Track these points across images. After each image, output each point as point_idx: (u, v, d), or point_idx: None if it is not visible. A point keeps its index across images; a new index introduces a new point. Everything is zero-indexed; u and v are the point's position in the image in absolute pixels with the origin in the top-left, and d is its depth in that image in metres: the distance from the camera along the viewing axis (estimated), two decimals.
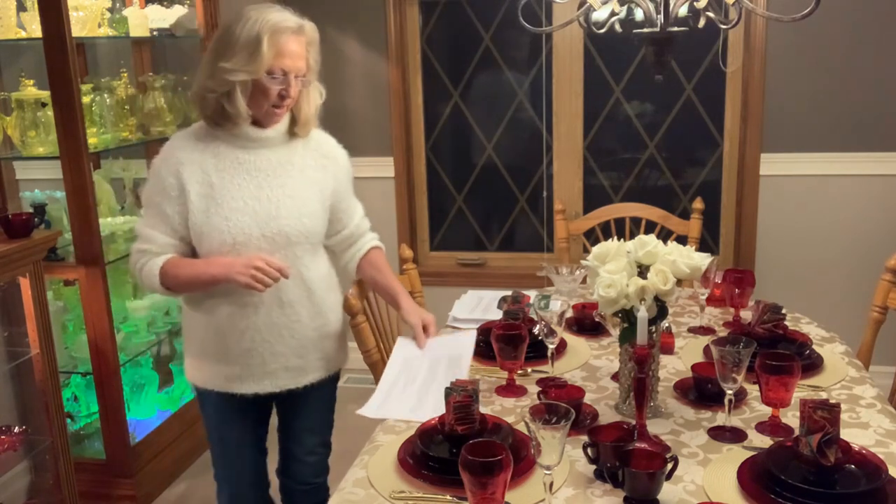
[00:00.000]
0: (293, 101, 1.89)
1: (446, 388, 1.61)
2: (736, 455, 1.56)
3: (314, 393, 2.08)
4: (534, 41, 3.71)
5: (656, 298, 1.68)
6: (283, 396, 2.05)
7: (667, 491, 1.43)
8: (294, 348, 1.98)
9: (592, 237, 3.33)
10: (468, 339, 2.04)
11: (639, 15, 1.92)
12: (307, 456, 2.14)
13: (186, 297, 2.01)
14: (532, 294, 2.42)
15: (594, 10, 1.96)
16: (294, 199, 1.92)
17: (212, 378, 2.01)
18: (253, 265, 1.79)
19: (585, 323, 2.31)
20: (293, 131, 1.96)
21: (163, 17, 3.27)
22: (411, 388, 1.90)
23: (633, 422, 1.63)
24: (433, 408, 1.77)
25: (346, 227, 2.11)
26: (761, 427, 1.69)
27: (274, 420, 2.19)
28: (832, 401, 1.46)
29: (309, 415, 2.12)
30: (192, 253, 1.95)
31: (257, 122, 1.91)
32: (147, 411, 3.18)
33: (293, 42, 1.82)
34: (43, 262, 2.53)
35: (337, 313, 2.08)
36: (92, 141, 2.81)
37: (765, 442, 1.63)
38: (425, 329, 2.05)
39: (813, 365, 1.97)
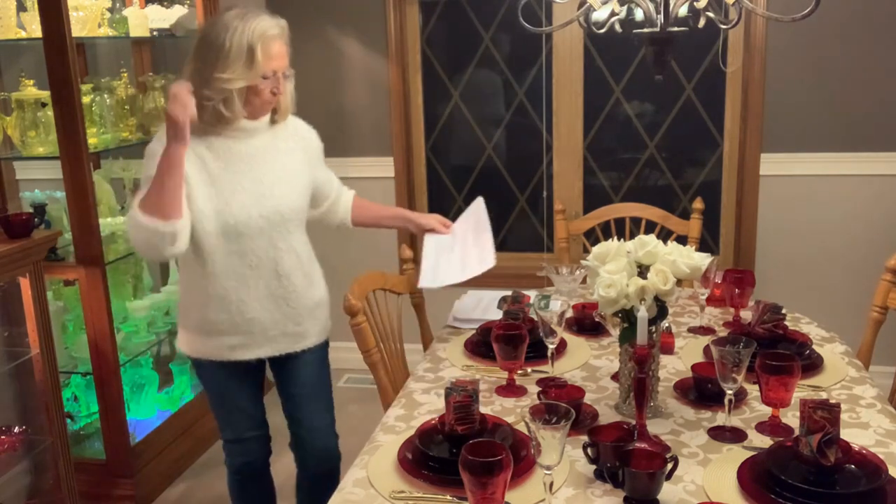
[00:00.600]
0: (281, 94, 2.03)
1: (446, 388, 1.61)
2: (736, 455, 1.57)
3: (309, 357, 2.19)
4: (534, 41, 3.71)
5: (656, 298, 1.68)
6: (282, 361, 2.16)
7: (667, 491, 1.43)
8: (291, 316, 2.11)
9: (592, 237, 3.32)
10: (479, 204, 2.42)
11: (639, 15, 1.92)
12: (314, 419, 2.21)
13: (186, 273, 2.09)
14: (532, 294, 2.42)
15: (594, 10, 1.96)
16: (282, 181, 2.07)
17: (214, 350, 2.10)
18: (170, 101, 1.83)
19: (585, 323, 2.31)
20: (273, 119, 2.11)
21: (163, 17, 3.27)
22: (452, 256, 2.27)
23: (633, 422, 1.63)
24: (479, 261, 2.24)
25: (331, 192, 2.31)
26: (761, 427, 1.69)
27: (278, 404, 2.25)
28: (832, 401, 1.46)
29: (308, 380, 2.20)
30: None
31: (246, 115, 2.01)
32: (147, 411, 3.18)
33: (278, 45, 1.97)
34: (43, 262, 2.53)
35: (322, 282, 2.23)
36: (92, 141, 2.81)
37: (765, 442, 1.63)
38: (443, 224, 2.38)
39: (813, 365, 1.97)
